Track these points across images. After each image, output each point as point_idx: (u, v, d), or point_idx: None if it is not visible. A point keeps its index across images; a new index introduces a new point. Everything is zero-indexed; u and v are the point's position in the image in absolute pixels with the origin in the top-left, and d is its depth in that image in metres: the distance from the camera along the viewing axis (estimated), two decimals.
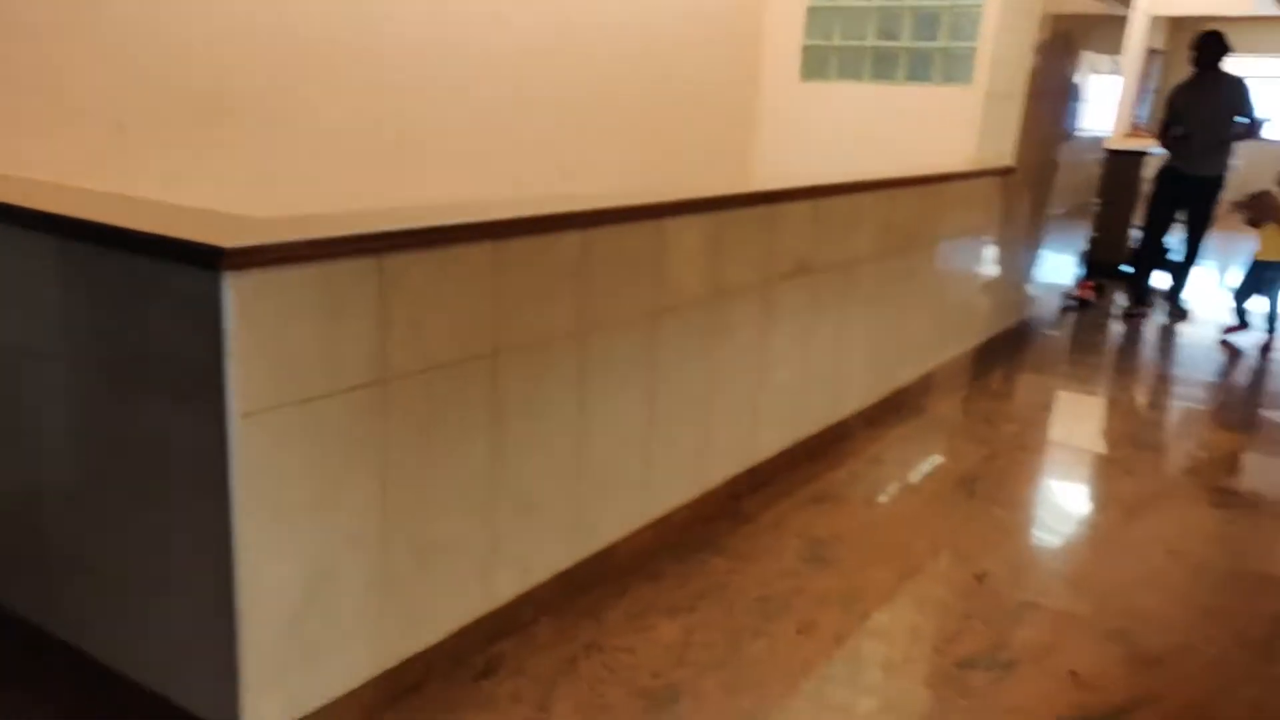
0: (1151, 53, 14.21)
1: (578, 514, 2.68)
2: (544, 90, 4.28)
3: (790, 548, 3.12)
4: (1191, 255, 6.56)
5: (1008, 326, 5.71)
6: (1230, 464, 4.18)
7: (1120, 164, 7.09)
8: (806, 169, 5.36)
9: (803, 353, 3.62)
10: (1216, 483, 3.94)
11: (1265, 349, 5.85)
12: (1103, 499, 3.70)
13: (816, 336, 3.69)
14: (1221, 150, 6.28)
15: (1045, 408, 4.76)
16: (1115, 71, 6.79)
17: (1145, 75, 14.13)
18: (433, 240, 2.07)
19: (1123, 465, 4.02)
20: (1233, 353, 5.77)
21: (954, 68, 5.01)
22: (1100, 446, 4.32)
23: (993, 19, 4.86)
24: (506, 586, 2.49)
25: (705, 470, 3.23)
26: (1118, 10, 6.40)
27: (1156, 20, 13.84)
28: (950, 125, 5.06)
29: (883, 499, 3.53)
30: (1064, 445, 4.35)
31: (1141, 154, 7.69)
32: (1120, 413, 4.91)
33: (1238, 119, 6.19)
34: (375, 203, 2.26)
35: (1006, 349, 5.60)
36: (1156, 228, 6.59)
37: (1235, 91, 6.20)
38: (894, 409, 4.41)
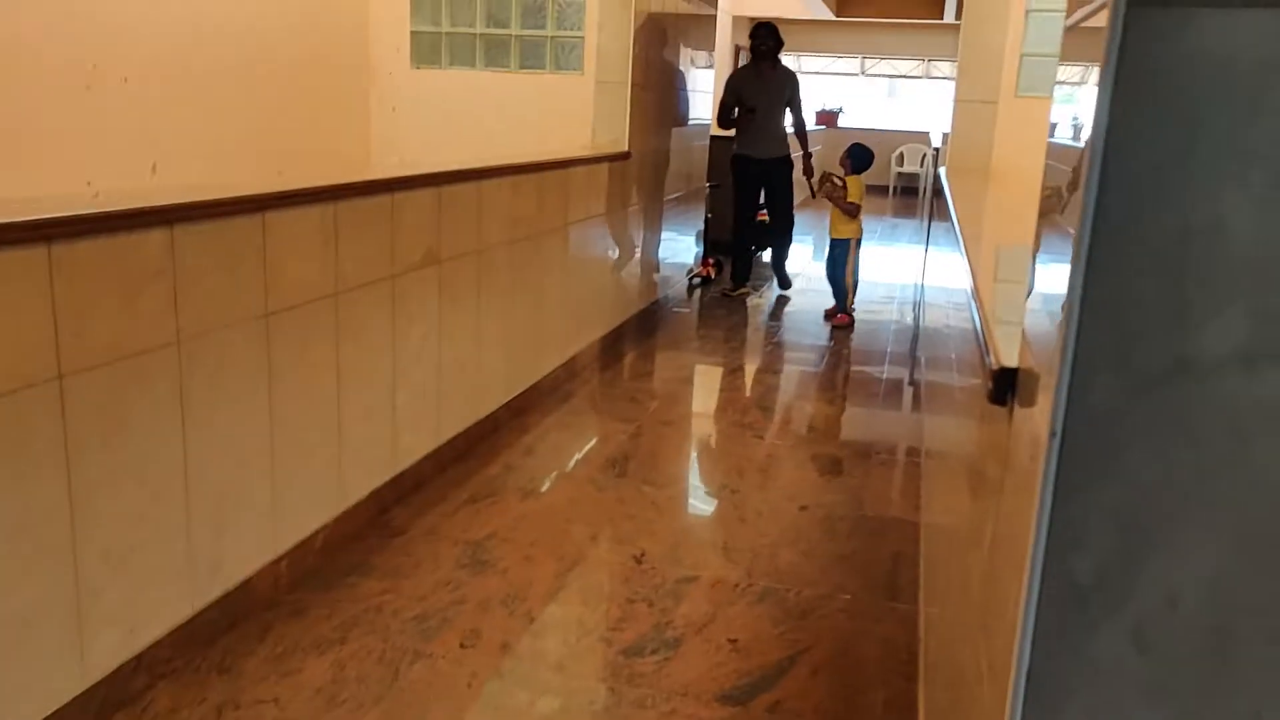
0: (737, 49, 15.52)
1: (194, 553, 2.33)
2: (126, 72, 3.74)
3: (447, 555, 2.95)
4: (781, 231, 6.93)
5: (643, 307, 5.89)
6: (841, 419, 4.57)
7: (723, 149, 7.58)
8: (427, 156, 5.17)
9: (440, 348, 3.45)
10: (832, 437, 4.28)
11: (850, 314, 6.36)
12: (741, 464, 3.88)
13: (454, 329, 3.53)
14: (782, 134, 6.66)
15: (683, 382, 4.95)
16: (710, 65, 7.24)
17: (735, 68, 15.39)
18: None
19: (754, 430, 4.26)
20: (832, 322, 6.30)
21: (564, 56, 5.06)
22: (734, 415, 4.55)
23: (594, 10, 4.96)
24: (107, 654, 2.09)
25: (345, 484, 2.97)
26: (706, 10, 6.82)
27: (738, 20, 15.14)
28: (566, 112, 5.09)
29: (539, 490, 3.46)
30: (702, 416, 4.54)
31: None
32: (747, 381, 5.22)
33: (790, 109, 6.65)
34: None
35: (643, 328, 5.77)
36: (743, 210, 6.82)
37: (790, 82, 6.63)
38: (542, 397, 4.36)
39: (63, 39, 3.55)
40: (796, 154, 6.89)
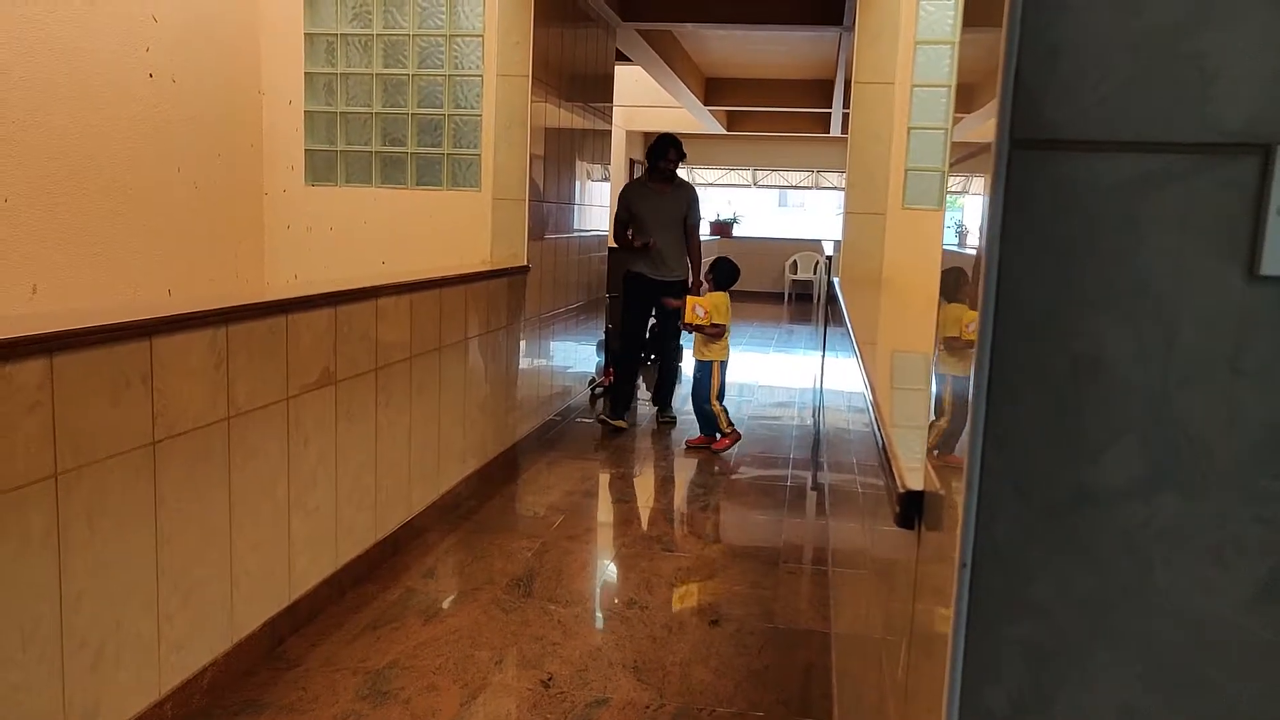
0: (632, 162, 15.96)
1: (68, 698, 2.16)
2: (6, 191, 3.61)
3: (346, 686, 2.80)
4: (668, 360, 6.53)
5: (545, 418, 5.85)
6: (747, 528, 4.57)
7: (621, 261, 7.70)
8: (323, 273, 5.11)
9: (338, 469, 3.35)
10: (740, 547, 4.27)
11: (724, 436, 5.83)
12: (649, 579, 3.83)
13: (351, 450, 3.44)
14: (683, 253, 6.28)
15: (587, 494, 4.89)
16: (605, 179, 7.40)
17: (629, 181, 15.81)
18: None
19: (661, 543, 4.22)
20: (712, 448, 5.78)
21: (462, 173, 5.11)
22: (639, 527, 4.50)
23: (489, 129, 5.05)
24: None
25: (236, 617, 2.82)
26: (601, 125, 7.00)
27: (631, 134, 15.62)
28: (464, 227, 5.12)
29: (441, 614, 3.34)
30: (608, 530, 4.47)
31: None
32: (652, 492, 5.19)
33: (690, 223, 6.23)
34: None
35: (546, 440, 5.73)
36: (630, 331, 6.38)
37: (688, 198, 6.23)
38: (444, 514, 4.26)
39: None
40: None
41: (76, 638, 2.17)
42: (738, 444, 5.83)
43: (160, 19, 4.32)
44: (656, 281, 6.22)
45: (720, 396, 5.79)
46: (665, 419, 6.46)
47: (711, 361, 5.78)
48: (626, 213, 6.23)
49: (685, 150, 6.27)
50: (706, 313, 5.67)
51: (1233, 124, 0.75)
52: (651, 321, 8.25)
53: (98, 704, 2.26)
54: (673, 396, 6.63)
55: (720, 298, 5.77)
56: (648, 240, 6.10)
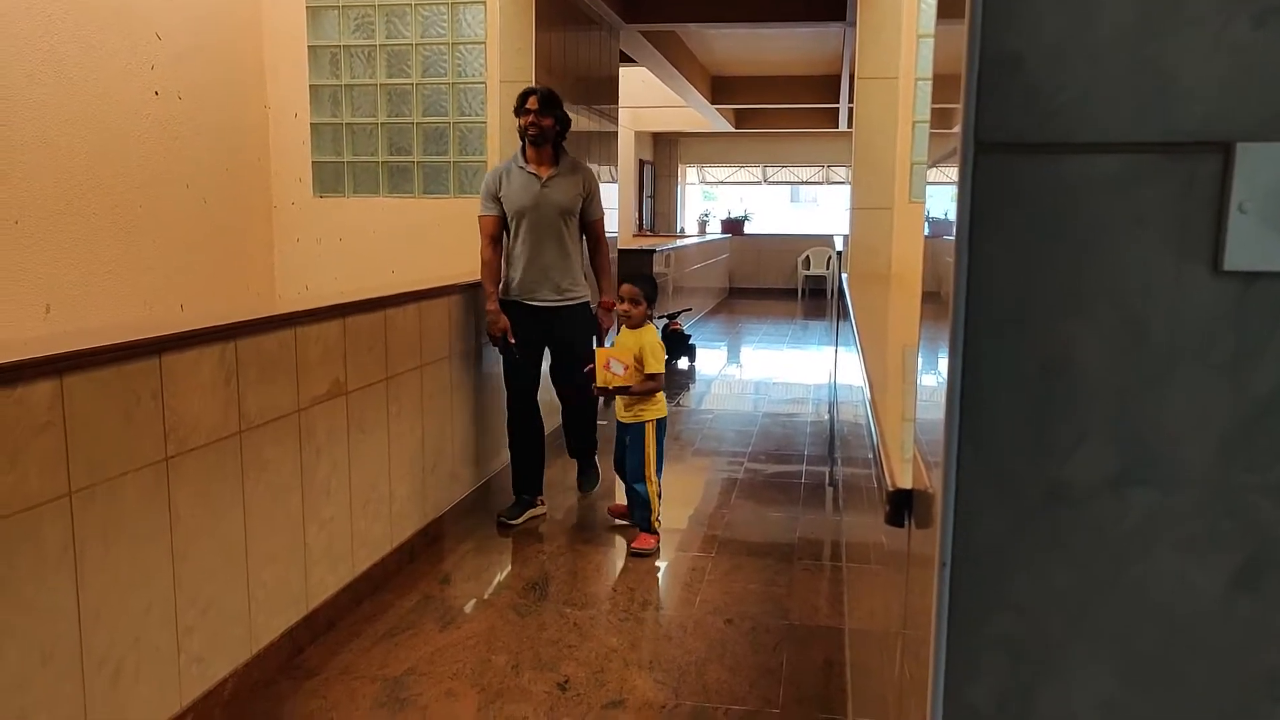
0: (641, 163, 15.98)
1: (90, 711, 2.19)
2: (18, 214, 3.66)
3: (364, 694, 2.83)
4: (577, 406, 4.67)
5: (559, 422, 5.86)
6: (763, 525, 4.57)
7: (635, 262, 7.75)
8: (333, 284, 5.15)
9: (351, 479, 3.38)
10: (755, 544, 4.27)
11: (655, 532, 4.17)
12: (664, 579, 3.84)
13: (364, 459, 3.47)
14: (575, 264, 4.33)
15: (602, 495, 4.90)
16: (614, 180, 7.40)
17: (640, 182, 15.83)
18: None
19: (677, 543, 4.22)
20: (631, 545, 4.14)
21: (468, 180, 5.14)
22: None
23: (495, 135, 5.07)
24: None
25: (255, 628, 2.85)
26: (608, 127, 7.02)
27: (640, 135, 15.63)
28: (473, 234, 5.15)
29: (457, 620, 3.36)
30: (623, 530, 4.48)
31: (651, 252, 8.58)
32: (667, 490, 5.19)
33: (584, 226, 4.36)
34: None
35: (559, 442, 5.73)
36: (512, 383, 4.44)
37: (588, 183, 4.32)
38: (459, 520, 4.28)
39: None
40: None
41: (96, 655, 2.21)
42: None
43: (164, 36, 4.37)
44: (538, 309, 4.27)
45: (659, 470, 4.18)
46: (586, 482, 4.89)
47: (644, 423, 4.10)
48: (495, 204, 4.21)
49: (567, 112, 4.24)
50: (628, 367, 3.99)
51: (1192, 123, 0.75)
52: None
53: (119, 715, 2.29)
54: (593, 446, 4.86)
55: (646, 335, 4.05)
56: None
